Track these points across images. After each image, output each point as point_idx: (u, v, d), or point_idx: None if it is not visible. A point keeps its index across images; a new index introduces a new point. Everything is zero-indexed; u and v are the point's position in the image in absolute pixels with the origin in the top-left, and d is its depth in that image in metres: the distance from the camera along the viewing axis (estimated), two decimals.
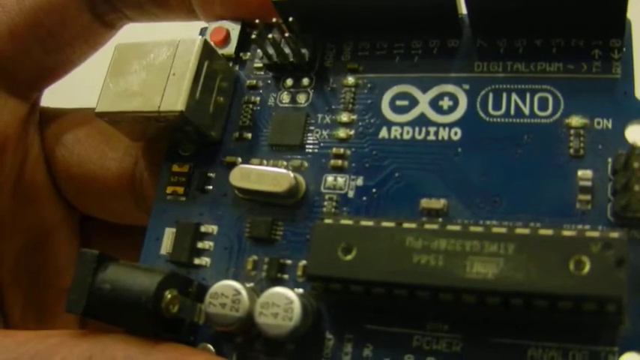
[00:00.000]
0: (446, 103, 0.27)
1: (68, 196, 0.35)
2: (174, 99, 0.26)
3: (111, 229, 0.36)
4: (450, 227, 0.23)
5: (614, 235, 0.21)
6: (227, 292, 0.24)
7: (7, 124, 0.31)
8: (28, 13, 0.30)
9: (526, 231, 0.22)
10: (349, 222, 0.24)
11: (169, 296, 0.24)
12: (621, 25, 0.25)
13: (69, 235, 0.36)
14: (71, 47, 0.32)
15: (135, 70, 0.27)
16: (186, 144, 0.29)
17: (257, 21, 0.28)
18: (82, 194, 0.35)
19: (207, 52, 0.28)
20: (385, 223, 0.23)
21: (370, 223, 0.23)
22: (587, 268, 0.21)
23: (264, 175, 0.26)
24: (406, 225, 0.23)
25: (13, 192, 0.32)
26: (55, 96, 0.35)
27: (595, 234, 0.21)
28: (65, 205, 0.35)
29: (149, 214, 0.29)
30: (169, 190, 0.29)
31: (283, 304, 0.24)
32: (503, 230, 0.22)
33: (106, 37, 0.33)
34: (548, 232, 0.22)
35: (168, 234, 0.28)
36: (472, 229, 0.22)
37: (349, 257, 0.23)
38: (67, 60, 0.32)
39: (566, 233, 0.22)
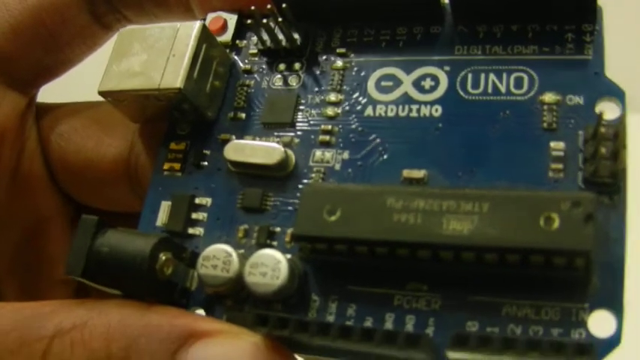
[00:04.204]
0: (428, 83, 0.28)
1: (64, 186, 0.36)
2: (174, 77, 0.28)
3: (107, 220, 0.37)
4: (429, 190, 0.24)
5: (584, 194, 0.22)
6: (219, 255, 0.26)
7: (6, 117, 0.32)
8: (31, 12, 0.31)
9: (500, 192, 0.23)
10: (335, 186, 0.25)
11: (164, 258, 0.25)
12: (593, 11, 0.27)
13: (64, 227, 0.37)
14: (70, 47, 0.33)
15: (137, 52, 0.29)
16: (183, 124, 0.31)
17: (252, 8, 0.30)
18: (79, 183, 0.35)
19: (205, 36, 0.29)
20: (368, 187, 0.24)
21: (355, 188, 0.25)
22: (556, 223, 0.22)
23: (256, 148, 0.28)
24: (388, 188, 0.24)
25: (9, 184, 0.33)
26: (50, 94, 0.36)
27: (565, 194, 0.23)
28: (61, 197, 0.36)
29: (144, 199, 0.30)
30: (166, 166, 0.30)
31: (272, 264, 0.25)
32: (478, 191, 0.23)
33: (104, 38, 0.34)
34: (521, 192, 0.23)
35: (165, 207, 0.29)
36: (449, 191, 0.24)
37: (333, 218, 0.24)
38: (66, 59, 0.33)
39: (538, 193, 0.23)
